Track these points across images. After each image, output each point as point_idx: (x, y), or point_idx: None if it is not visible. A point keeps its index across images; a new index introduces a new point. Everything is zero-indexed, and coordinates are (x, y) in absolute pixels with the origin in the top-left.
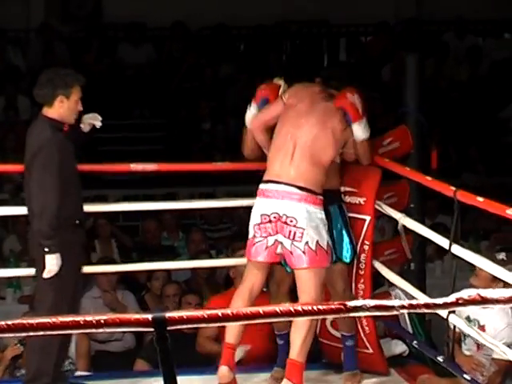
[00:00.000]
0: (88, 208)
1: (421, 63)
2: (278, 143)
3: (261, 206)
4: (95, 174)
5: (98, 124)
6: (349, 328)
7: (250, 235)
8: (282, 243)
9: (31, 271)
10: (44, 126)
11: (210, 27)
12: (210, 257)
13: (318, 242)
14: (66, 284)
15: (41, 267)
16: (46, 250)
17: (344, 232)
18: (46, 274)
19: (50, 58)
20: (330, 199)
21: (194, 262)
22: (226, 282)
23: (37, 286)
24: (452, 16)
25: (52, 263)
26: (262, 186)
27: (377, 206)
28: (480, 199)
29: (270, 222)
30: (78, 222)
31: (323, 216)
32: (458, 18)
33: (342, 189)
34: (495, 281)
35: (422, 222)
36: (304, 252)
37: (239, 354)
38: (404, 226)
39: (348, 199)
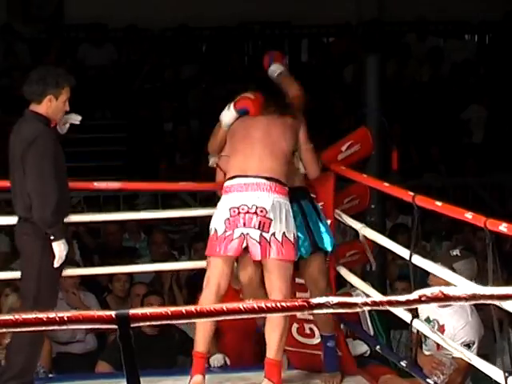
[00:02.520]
0: None
1: (382, 64)
2: (235, 145)
3: (228, 201)
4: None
5: (78, 120)
6: (329, 328)
7: (216, 231)
8: (248, 235)
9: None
10: (34, 120)
11: (173, 28)
12: (173, 257)
13: (284, 233)
14: (51, 276)
15: (25, 257)
16: (52, 237)
17: (320, 223)
18: (57, 263)
19: (11, 58)
20: (302, 195)
21: (157, 265)
22: (187, 283)
23: (22, 277)
24: (413, 17)
25: (60, 249)
26: (227, 184)
27: (337, 216)
28: (438, 203)
29: (239, 213)
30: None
31: (289, 208)
32: (420, 20)
33: None
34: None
35: (383, 224)
36: (270, 243)
37: (220, 360)
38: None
39: None
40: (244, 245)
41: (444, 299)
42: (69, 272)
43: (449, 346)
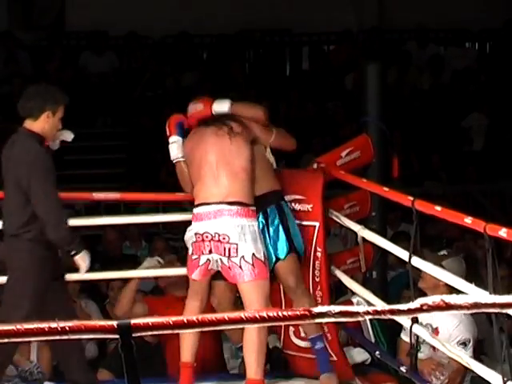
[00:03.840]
0: None
1: (383, 72)
2: (196, 172)
3: (195, 227)
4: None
5: (70, 138)
6: (315, 329)
7: (189, 252)
8: (217, 261)
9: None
10: (29, 140)
11: (173, 35)
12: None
13: (253, 254)
14: (39, 299)
15: (16, 273)
16: (73, 252)
17: (281, 230)
18: (82, 272)
19: (12, 66)
20: (267, 201)
21: (156, 271)
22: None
23: (6, 300)
24: (414, 25)
25: (84, 259)
26: (194, 211)
27: (335, 218)
28: (438, 208)
29: (203, 240)
30: None
31: (256, 227)
32: (420, 27)
33: (291, 197)
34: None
35: (384, 231)
36: (241, 266)
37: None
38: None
39: (298, 207)
40: (210, 268)
41: (446, 308)
42: (68, 277)
43: (445, 350)
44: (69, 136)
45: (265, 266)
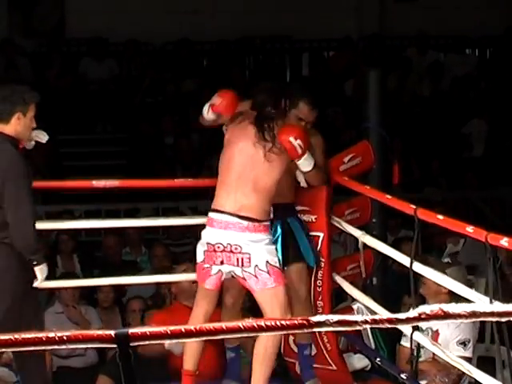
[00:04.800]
0: (51, 225)
1: (383, 78)
2: (221, 171)
3: (207, 235)
4: (57, 190)
5: (45, 139)
6: (306, 337)
7: (199, 259)
8: (229, 272)
9: None
10: (4, 143)
11: (173, 42)
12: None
13: (267, 261)
14: (17, 306)
15: None
16: (35, 262)
17: (305, 239)
18: (39, 284)
19: (13, 72)
20: (288, 212)
21: (155, 277)
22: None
23: None
24: (414, 32)
25: (43, 272)
26: (209, 214)
27: (336, 224)
28: (440, 217)
29: (215, 251)
30: None
31: (268, 238)
32: (420, 34)
33: (297, 208)
34: (442, 286)
35: (384, 237)
36: (256, 276)
37: None
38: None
39: (303, 217)
40: (223, 278)
41: (444, 317)
42: (66, 283)
43: (445, 356)
44: (43, 137)
45: (281, 272)
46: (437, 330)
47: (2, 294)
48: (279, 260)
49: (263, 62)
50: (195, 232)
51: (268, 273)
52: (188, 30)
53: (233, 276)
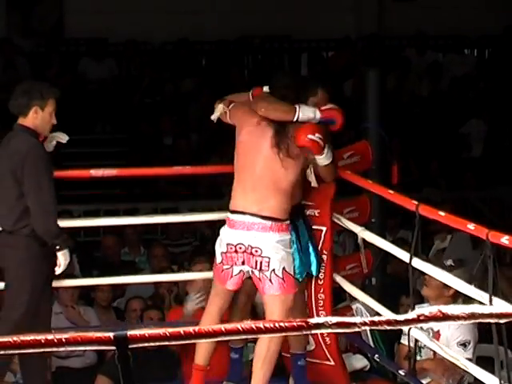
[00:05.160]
0: None
1: (382, 78)
2: (238, 174)
3: (227, 236)
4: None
5: (65, 139)
6: (301, 346)
7: (218, 261)
8: (249, 272)
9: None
10: (24, 134)
11: (172, 42)
12: (172, 272)
13: (284, 268)
14: (38, 296)
15: (12, 270)
16: (58, 247)
17: (310, 245)
18: (59, 270)
19: (11, 72)
20: (296, 214)
21: (154, 276)
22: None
23: (6, 297)
24: (413, 32)
25: (65, 258)
26: (229, 215)
27: (336, 220)
28: (442, 213)
29: (236, 252)
30: None
31: (289, 242)
32: (419, 34)
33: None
34: (446, 288)
35: (383, 238)
36: (271, 280)
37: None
38: (364, 240)
39: (306, 212)
40: (244, 278)
41: (442, 318)
42: (65, 283)
43: (447, 355)
44: (63, 137)
45: (294, 281)
46: (438, 331)
47: (22, 285)
48: (294, 268)
49: (262, 61)
50: (193, 232)
51: (283, 279)
52: (187, 29)
53: (250, 277)
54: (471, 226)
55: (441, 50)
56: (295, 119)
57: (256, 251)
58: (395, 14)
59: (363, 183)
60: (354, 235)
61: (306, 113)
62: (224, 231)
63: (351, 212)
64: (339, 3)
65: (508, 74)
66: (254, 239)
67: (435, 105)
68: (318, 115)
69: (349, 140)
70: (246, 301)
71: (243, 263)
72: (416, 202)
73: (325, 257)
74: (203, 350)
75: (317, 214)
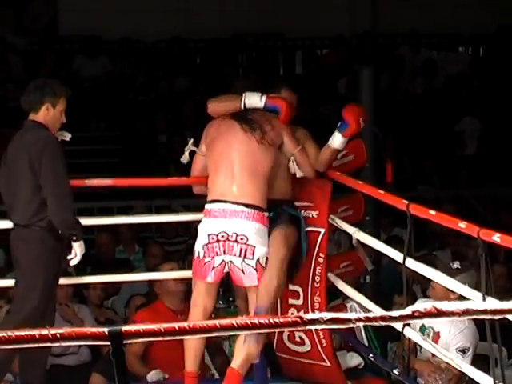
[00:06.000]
0: None
1: (376, 76)
2: (214, 163)
3: (208, 226)
4: None
5: (68, 137)
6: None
7: (198, 255)
8: (230, 262)
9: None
10: (37, 128)
11: (166, 40)
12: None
13: (266, 259)
14: (48, 290)
15: (25, 263)
16: (74, 238)
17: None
18: (74, 262)
19: (5, 70)
20: (284, 207)
21: (148, 274)
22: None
23: (17, 291)
24: (407, 30)
25: (81, 249)
26: (207, 207)
27: (331, 221)
28: (432, 212)
29: (218, 241)
30: None
31: (268, 233)
32: (413, 32)
33: (299, 204)
34: (452, 291)
35: (378, 235)
36: (256, 269)
37: (155, 376)
38: (359, 240)
39: (304, 213)
40: (225, 270)
41: (437, 314)
42: (61, 281)
43: (441, 355)
44: (67, 135)
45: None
46: (438, 333)
47: (35, 279)
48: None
49: (256, 59)
50: (188, 230)
51: (263, 270)
52: (181, 27)
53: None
54: (462, 225)
55: (435, 47)
56: (242, 106)
57: (242, 239)
58: (389, 11)
59: (354, 184)
60: (349, 234)
61: (251, 99)
62: (203, 223)
63: (345, 211)
64: (333, 1)
65: (502, 72)
66: (238, 227)
67: (429, 103)
68: (263, 102)
69: None
70: (246, 306)
71: (224, 252)
72: (406, 202)
73: (321, 259)
74: (192, 356)
75: (315, 216)
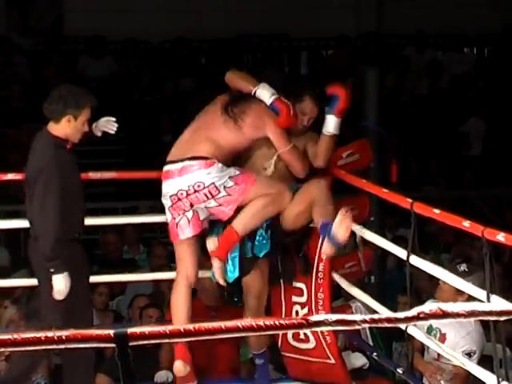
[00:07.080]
0: None
1: (381, 77)
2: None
3: (166, 189)
4: None
5: (113, 129)
6: (259, 346)
7: (169, 219)
8: (203, 209)
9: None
10: (47, 144)
11: (171, 40)
12: (171, 270)
13: (229, 177)
14: (71, 301)
15: (45, 287)
16: (52, 270)
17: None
18: (57, 296)
19: (10, 71)
20: None
21: (154, 274)
22: None
23: (42, 306)
24: (412, 30)
25: (60, 283)
26: (163, 170)
27: None
28: (436, 211)
29: (180, 199)
30: (77, 235)
31: (222, 167)
32: (419, 33)
33: None
34: (459, 293)
35: (383, 236)
36: (230, 194)
37: (163, 376)
38: (363, 239)
39: None
40: (202, 218)
41: (443, 316)
42: None
43: (447, 355)
44: (111, 126)
45: (245, 173)
46: (444, 334)
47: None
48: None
49: (261, 60)
50: None
51: (235, 183)
52: (186, 28)
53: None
54: (467, 224)
55: (440, 48)
56: (253, 93)
57: (199, 186)
58: (394, 12)
59: (358, 183)
60: (353, 234)
61: (263, 92)
62: (163, 187)
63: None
64: (338, 1)
65: (507, 72)
66: (190, 180)
67: (435, 103)
68: (271, 101)
69: (348, 138)
70: (257, 303)
71: (191, 205)
72: (410, 200)
73: (324, 256)
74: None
75: None
